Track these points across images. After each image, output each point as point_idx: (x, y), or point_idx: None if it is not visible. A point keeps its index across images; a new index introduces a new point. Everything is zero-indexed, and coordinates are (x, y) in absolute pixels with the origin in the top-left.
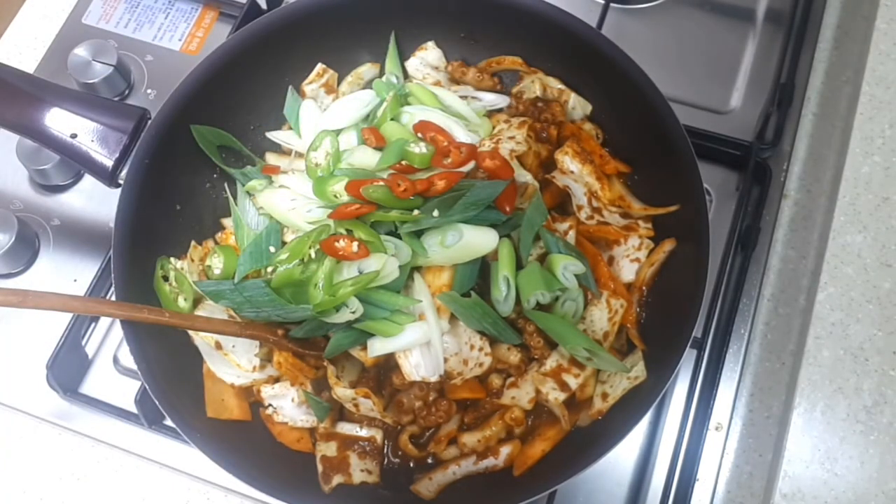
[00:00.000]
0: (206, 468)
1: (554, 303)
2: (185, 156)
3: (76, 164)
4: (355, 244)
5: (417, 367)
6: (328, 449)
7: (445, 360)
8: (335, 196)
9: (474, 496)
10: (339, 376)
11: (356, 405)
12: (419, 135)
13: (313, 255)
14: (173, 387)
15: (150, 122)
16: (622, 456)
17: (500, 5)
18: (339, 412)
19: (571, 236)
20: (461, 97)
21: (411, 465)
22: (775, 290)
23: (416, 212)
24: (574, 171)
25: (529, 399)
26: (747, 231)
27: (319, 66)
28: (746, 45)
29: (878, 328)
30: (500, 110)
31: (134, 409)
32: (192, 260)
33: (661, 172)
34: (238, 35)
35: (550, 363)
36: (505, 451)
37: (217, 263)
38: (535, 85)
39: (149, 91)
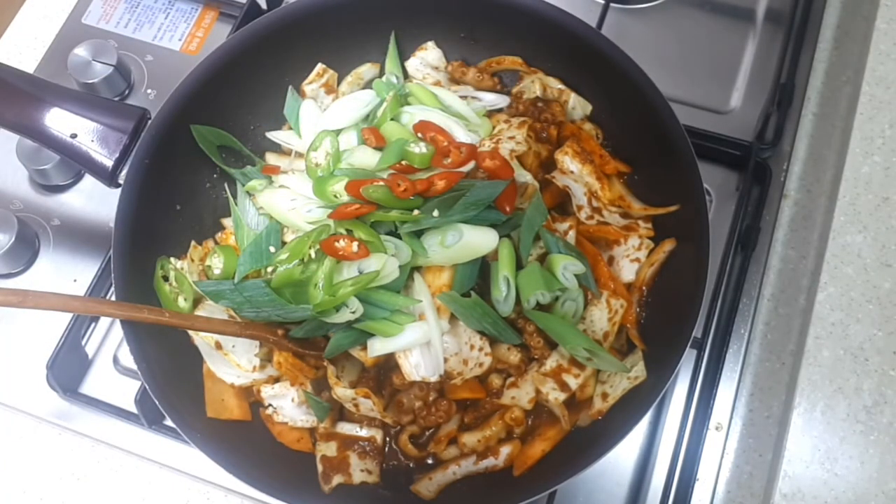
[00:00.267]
0: (206, 468)
1: (554, 303)
2: (185, 156)
3: (76, 164)
4: (355, 244)
5: (417, 367)
6: (328, 449)
7: (445, 360)
8: (335, 196)
9: (474, 496)
10: (339, 376)
11: (356, 405)
12: (419, 135)
13: (313, 255)
14: (173, 387)
15: (150, 122)
16: (622, 456)
17: (500, 5)
18: (339, 412)
19: (571, 236)
20: (461, 97)
21: (411, 465)
22: (775, 290)
23: (416, 212)
24: (574, 171)
25: (529, 399)
26: (747, 231)
27: (319, 66)
28: (746, 45)
29: (878, 328)
30: (500, 110)
31: (134, 409)
32: (192, 260)
33: (661, 172)
34: (238, 35)
35: (550, 363)
36: (505, 451)
37: (217, 263)
38: (535, 85)
39: (149, 91)
